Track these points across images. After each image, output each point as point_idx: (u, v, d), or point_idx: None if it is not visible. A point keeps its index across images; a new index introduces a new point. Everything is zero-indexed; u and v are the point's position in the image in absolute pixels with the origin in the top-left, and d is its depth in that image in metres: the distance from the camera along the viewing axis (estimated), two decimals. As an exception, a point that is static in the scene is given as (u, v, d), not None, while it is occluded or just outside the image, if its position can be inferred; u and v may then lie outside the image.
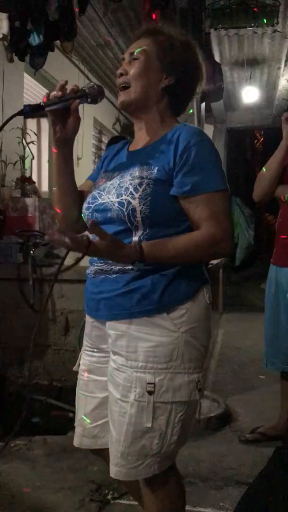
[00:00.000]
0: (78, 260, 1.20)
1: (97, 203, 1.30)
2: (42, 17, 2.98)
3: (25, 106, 1.25)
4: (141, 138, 1.38)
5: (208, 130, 7.42)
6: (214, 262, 4.88)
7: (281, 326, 2.48)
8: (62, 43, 3.34)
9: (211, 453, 2.50)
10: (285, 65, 5.95)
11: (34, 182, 3.96)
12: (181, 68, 1.34)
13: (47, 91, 5.36)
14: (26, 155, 4.06)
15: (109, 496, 2.09)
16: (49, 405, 3.13)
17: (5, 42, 3.12)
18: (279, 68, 6.10)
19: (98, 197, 1.31)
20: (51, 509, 2.01)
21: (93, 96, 1.30)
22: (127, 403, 1.24)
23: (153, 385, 1.23)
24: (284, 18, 4.56)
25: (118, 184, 1.28)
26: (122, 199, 1.24)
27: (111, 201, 1.26)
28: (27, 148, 4.08)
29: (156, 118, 1.36)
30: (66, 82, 1.28)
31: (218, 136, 8.00)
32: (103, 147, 6.92)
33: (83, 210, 1.35)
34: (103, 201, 1.28)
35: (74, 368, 1.50)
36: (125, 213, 1.23)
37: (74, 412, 3.20)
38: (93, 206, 1.31)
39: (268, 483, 1.24)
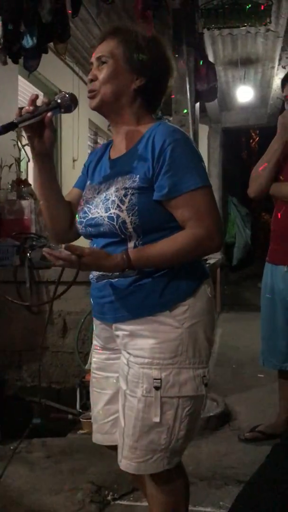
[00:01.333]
0: (74, 278, 1.25)
1: (88, 218, 1.33)
2: (35, 19, 2.98)
3: None
4: (120, 142, 1.37)
5: (203, 130, 7.42)
6: (211, 261, 4.89)
7: (277, 324, 2.48)
8: (55, 45, 3.34)
9: (211, 452, 2.50)
10: (278, 64, 5.96)
11: (30, 185, 3.95)
12: (151, 66, 1.32)
13: (41, 93, 5.38)
14: (21, 158, 4.05)
15: (109, 497, 2.09)
16: (48, 407, 3.12)
17: (-1, 45, 3.12)
18: (273, 67, 6.10)
19: (88, 212, 1.33)
20: (51, 511, 2.01)
21: (66, 106, 1.30)
22: (135, 398, 1.28)
23: (159, 380, 1.26)
24: (277, 17, 4.57)
25: (105, 197, 1.29)
26: (111, 213, 1.26)
27: (101, 216, 1.28)
28: (22, 150, 4.07)
29: (132, 120, 1.35)
30: (37, 96, 1.28)
31: (213, 136, 8.00)
32: (99, 148, 6.92)
33: (77, 225, 1.38)
34: (93, 216, 1.31)
35: (86, 367, 1.59)
36: (116, 227, 1.26)
37: (73, 414, 3.22)
38: (85, 221, 1.34)
39: (265, 480, 1.25)
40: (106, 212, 1.27)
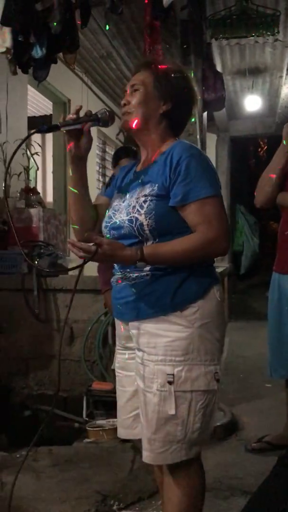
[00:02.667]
0: (91, 258, 1.35)
1: (112, 222, 1.50)
2: (44, 30, 3.02)
3: (42, 125, 1.46)
4: (145, 158, 1.56)
5: (211, 139, 7.44)
6: (219, 270, 4.88)
7: (285, 333, 2.46)
8: (64, 55, 3.38)
9: (217, 463, 2.48)
10: (287, 73, 5.98)
11: (39, 193, 3.99)
12: (177, 94, 1.51)
13: (50, 102, 5.43)
14: (30, 166, 4.09)
15: (115, 507, 2.08)
16: (55, 415, 3.12)
17: (9, 55, 3.16)
18: (281, 77, 6.12)
19: (112, 217, 1.51)
20: (57, 520, 2.00)
21: (104, 121, 1.49)
22: (151, 393, 1.40)
23: (172, 376, 1.38)
24: (285, 27, 4.59)
25: (128, 204, 1.47)
26: (131, 217, 1.43)
27: (122, 220, 1.46)
28: (31, 159, 4.11)
29: (157, 140, 1.53)
30: (81, 107, 1.48)
31: (221, 145, 8.02)
32: (107, 157, 6.97)
33: (103, 229, 1.55)
34: (116, 220, 1.49)
35: (112, 367, 1.76)
36: (135, 228, 1.42)
37: (79, 422, 3.21)
38: (109, 225, 1.51)
39: (271, 492, 1.24)
40: (127, 216, 1.44)
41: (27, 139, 1.49)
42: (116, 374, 1.60)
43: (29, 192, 3.85)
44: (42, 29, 3.01)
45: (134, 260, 1.38)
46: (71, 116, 1.46)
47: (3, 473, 2.35)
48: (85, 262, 1.37)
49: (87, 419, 3.03)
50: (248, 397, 3.49)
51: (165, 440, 1.39)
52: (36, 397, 3.32)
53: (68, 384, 3.27)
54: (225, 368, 4.24)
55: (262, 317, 3.66)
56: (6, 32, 3.06)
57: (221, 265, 5.88)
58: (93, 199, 1.66)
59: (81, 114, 1.47)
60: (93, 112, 1.49)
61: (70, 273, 3.49)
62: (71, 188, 1.58)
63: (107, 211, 1.56)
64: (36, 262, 3.29)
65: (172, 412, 1.37)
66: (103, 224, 1.54)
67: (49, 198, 5.64)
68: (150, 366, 1.41)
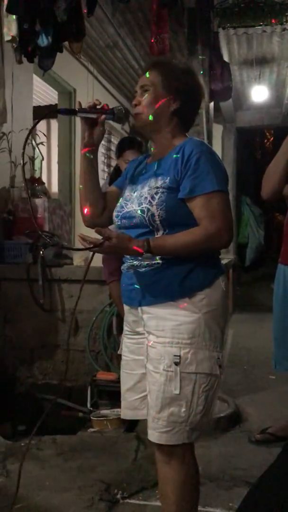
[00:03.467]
0: (97, 245, 1.42)
1: (123, 211, 1.57)
2: (50, 18, 2.99)
3: (61, 108, 1.55)
4: (157, 153, 1.63)
5: (217, 129, 7.39)
6: (224, 262, 4.87)
7: (290, 326, 2.46)
8: (70, 44, 3.35)
9: (221, 453, 2.49)
10: (294, 64, 5.92)
11: (44, 183, 3.99)
12: (185, 92, 1.59)
13: (56, 91, 5.40)
14: (36, 156, 4.08)
15: (118, 496, 2.09)
16: (59, 404, 3.14)
17: (14, 44, 3.14)
18: (288, 67, 6.07)
19: (124, 206, 1.58)
20: (61, 508, 2.02)
21: (119, 117, 1.59)
22: (158, 373, 1.47)
23: (178, 357, 1.45)
24: (293, 17, 4.54)
25: (139, 195, 1.54)
26: (142, 207, 1.51)
27: (134, 209, 1.53)
28: (36, 149, 4.10)
29: (168, 136, 1.60)
30: (100, 102, 1.59)
31: (227, 136, 7.97)
32: (113, 147, 6.94)
33: (114, 218, 1.62)
34: (128, 210, 1.56)
35: (118, 352, 1.76)
36: (146, 218, 1.50)
37: (83, 412, 3.23)
38: (121, 214, 1.58)
39: (273, 482, 1.24)
40: (139, 206, 1.51)
41: (41, 120, 1.67)
42: (123, 358, 1.65)
43: (34, 182, 3.85)
44: (48, 17, 2.99)
45: (141, 252, 1.44)
46: (89, 103, 1.56)
47: (8, 461, 2.37)
48: (93, 253, 1.46)
49: (91, 408, 3.04)
50: (252, 388, 3.50)
51: (169, 420, 1.45)
52: (40, 386, 3.34)
53: (73, 374, 3.29)
54: (229, 360, 4.25)
55: (266, 309, 3.66)
56: (12, 20, 3.03)
57: (226, 257, 5.88)
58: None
59: (99, 105, 1.56)
60: (111, 108, 1.58)
61: (75, 263, 3.49)
62: (80, 183, 1.66)
63: (118, 200, 1.63)
64: (41, 252, 3.29)
65: (177, 391, 1.44)
66: (114, 213, 1.61)
67: (54, 188, 5.63)
68: (158, 347, 1.48)
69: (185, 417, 1.46)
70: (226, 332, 1.56)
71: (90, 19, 3.61)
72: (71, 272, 3.27)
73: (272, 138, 13.10)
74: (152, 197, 1.49)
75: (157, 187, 1.50)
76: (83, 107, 1.57)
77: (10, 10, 2.97)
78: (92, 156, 1.64)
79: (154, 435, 1.49)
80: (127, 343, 1.65)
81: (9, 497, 2.01)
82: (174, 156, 1.52)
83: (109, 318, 3.23)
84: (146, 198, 1.50)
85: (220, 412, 2.85)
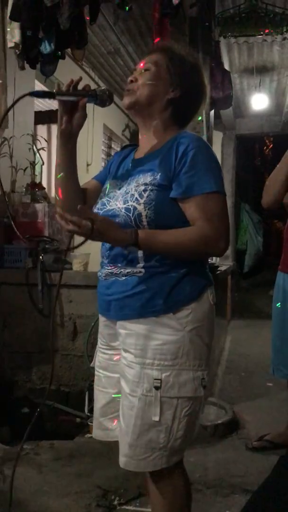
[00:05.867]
0: (83, 242, 1.26)
1: (105, 209, 1.38)
2: (53, 26, 3.02)
3: (37, 90, 1.36)
4: (145, 145, 1.45)
5: (217, 137, 7.43)
6: (222, 268, 4.88)
7: (288, 333, 2.47)
8: (73, 51, 3.38)
9: (218, 460, 2.49)
10: (294, 73, 5.96)
11: (44, 188, 4.00)
12: (188, 84, 1.42)
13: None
14: (36, 161, 4.10)
15: (115, 502, 2.09)
16: (57, 410, 3.14)
17: (17, 50, 3.16)
18: (288, 76, 6.11)
19: (107, 204, 1.39)
20: (58, 513, 2.02)
21: (102, 99, 1.38)
22: (135, 398, 1.32)
23: (159, 380, 1.30)
24: (293, 26, 4.57)
25: (125, 191, 1.35)
26: (128, 205, 1.32)
27: (119, 208, 1.34)
28: (37, 154, 4.12)
29: (160, 126, 1.43)
30: (80, 79, 1.37)
31: (227, 143, 8.01)
32: (113, 153, 6.96)
33: None
34: (111, 208, 1.37)
35: (91, 365, 1.58)
36: (132, 218, 1.31)
37: (81, 417, 3.22)
38: (101, 212, 1.38)
39: (272, 491, 1.24)
40: (124, 204, 1.33)
41: (16, 103, 1.34)
42: (96, 373, 1.52)
43: (35, 187, 3.86)
44: (51, 24, 3.02)
45: (127, 243, 1.27)
46: (68, 84, 1.35)
47: (5, 466, 2.37)
48: (83, 242, 1.26)
49: (89, 414, 3.04)
50: (249, 395, 3.50)
51: (146, 446, 1.31)
52: (38, 391, 3.34)
53: (71, 379, 3.29)
54: (226, 366, 4.25)
55: (264, 315, 3.67)
56: (15, 27, 3.06)
57: (225, 263, 5.88)
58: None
59: (80, 87, 1.36)
60: (92, 89, 1.38)
61: (75, 268, 3.50)
62: (58, 172, 1.44)
63: (100, 197, 1.45)
64: (41, 257, 3.30)
65: (156, 418, 1.29)
66: (95, 211, 1.42)
67: (54, 193, 5.64)
68: (136, 369, 1.32)
69: (164, 443, 1.31)
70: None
71: (92, 26, 3.64)
72: (70, 277, 3.28)
73: (271, 146, 13.14)
74: (140, 195, 1.30)
75: (146, 184, 1.31)
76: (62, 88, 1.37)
77: (13, 17, 2.99)
78: (69, 147, 1.42)
79: (130, 464, 1.34)
80: (99, 357, 1.50)
81: (6, 502, 2.01)
82: (167, 150, 1.34)
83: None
84: (132, 195, 1.32)
85: (218, 419, 2.86)
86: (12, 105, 1.40)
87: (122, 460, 1.36)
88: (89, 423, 2.88)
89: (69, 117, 1.39)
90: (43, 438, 2.68)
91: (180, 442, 1.33)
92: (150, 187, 1.31)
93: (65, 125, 1.39)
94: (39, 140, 4.18)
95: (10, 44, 3.12)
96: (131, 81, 1.42)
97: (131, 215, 1.31)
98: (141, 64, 1.44)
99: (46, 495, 2.14)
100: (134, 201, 1.31)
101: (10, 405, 3.20)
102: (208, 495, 2.16)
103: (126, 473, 2.30)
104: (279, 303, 2.51)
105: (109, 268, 1.38)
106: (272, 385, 3.58)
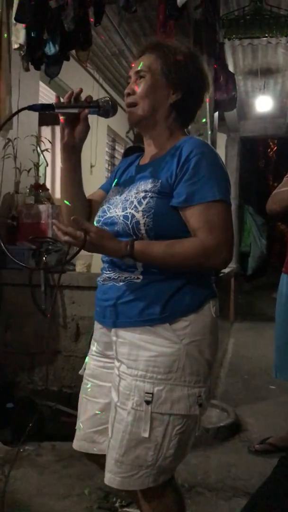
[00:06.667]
0: (76, 253, 1.24)
1: (105, 217, 1.34)
2: (58, 27, 3.03)
3: (35, 104, 1.30)
4: (150, 152, 1.41)
5: (221, 139, 7.42)
6: (226, 270, 4.87)
7: (292, 336, 2.46)
8: (77, 52, 3.38)
9: (220, 463, 2.49)
10: (299, 75, 5.96)
11: (48, 189, 4.00)
12: (188, 81, 1.34)
13: (61, 99, 5.43)
14: (40, 163, 4.10)
15: (116, 504, 2.09)
16: (59, 411, 3.13)
17: (22, 52, 3.17)
18: (293, 78, 6.10)
19: (107, 211, 1.35)
20: (59, 515, 2.01)
21: (105, 110, 1.33)
22: (125, 411, 1.25)
23: (151, 395, 1.22)
24: (298, 28, 4.56)
25: (125, 198, 1.31)
26: (126, 213, 1.27)
27: (117, 215, 1.29)
28: (41, 155, 4.12)
29: (165, 133, 1.38)
30: (81, 90, 1.31)
31: (231, 145, 8.00)
32: (117, 155, 6.97)
33: (95, 223, 1.38)
34: (110, 215, 1.32)
35: (80, 372, 1.51)
36: (129, 226, 1.26)
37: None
38: (102, 219, 1.35)
39: (271, 493, 1.24)
40: (123, 211, 1.28)
41: (15, 114, 1.32)
42: (84, 381, 1.45)
43: (39, 188, 3.86)
44: (56, 26, 3.02)
45: (122, 255, 1.22)
46: (68, 96, 1.30)
47: (6, 467, 2.37)
48: (77, 252, 1.24)
49: (91, 415, 3.04)
50: (252, 398, 3.49)
51: (133, 464, 1.24)
52: (40, 392, 3.34)
53: (73, 380, 3.28)
54: (229, 369, 4.24)
55: (267, 318, 3.66)
56: (20, 28, 3.07)
57: (228, 266, 5.87)
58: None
59: (82, 98, 1.32)
60: (95, 99, 1.34)
61: (78, 269, 3.50)
62: (62, 187, 1.41)
63: (102, 204, 1.41)
64: (44, 258, 3.30)
65: (146, 434, 1.22)
66: (96, 218, 1.38)
67: (58, 194, 5.65)
68: (128, 380, 1.25)
69: (152, 461, 1.24)
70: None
71: (96, 28, 3.64)
72: (73, 279, 3.27)
73: (275, 148, 13.13)
74: (139, 202, 1.25)
75: (146, 191, 1.26)
76: (62, 101, 1.32)
77: (18, 19, 3.00)
78: (73, 160, 1.38)
79: (115, 481, 1.27)
80: (91, 365, 1.43)
81: (7, 503, 2.01)
82: (170, 156, 1.30)
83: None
84: (132, 202, 1.26)
85: (220, 422, 2.85)
86: (12, 116, 1.39)
87: (106, 476, 1.29)
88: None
89: (71, 129, 1.34)
90: (45, 440, 2.68)
91: (170, 461, 1.26)
92: (150, 194, 1.25)
93: (67, 137, 1.34)
94: (43, 142, 4.19)
95: (15, 45, 3.13)
96: (129, 94, 1.36)
97: (128, 222, 1.26)
98: (134, 69, 1.37)
99: (47, 496, 2.14)
100: (132, 208, 1.26)
101: (12, 407, 3.20)
102: (210, 498, 2.15)
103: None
104: (283, 305, 2.51)
105: (108, 273, 1.34)
106: (275, 388, 3.57)
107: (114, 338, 1.32)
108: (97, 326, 1.42)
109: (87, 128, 1.34)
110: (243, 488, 2.23)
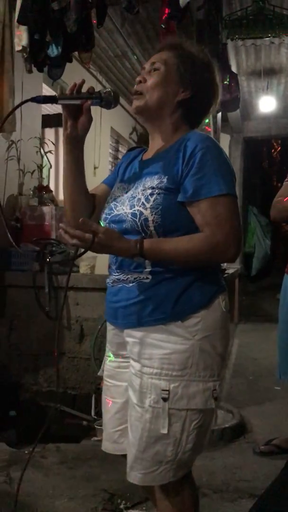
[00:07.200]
0: (82, 253, 1.25)
1: (113, 214, 1.34)
2: (60, 29, 3.03)
3: (38, 96, 1.30)
4: (154, 147, 1.41)
5: (225, 139, 7.42)
6: (230, 271, 4.86)
7: (296, 336, 2.45)
8: (80, 54, 3.38)
9: (225, 465, 2.48)
10: (302, 75, 5.95)
11: (52, 191, 4.01)
12: (199, 84, 1.37)
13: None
14: (44, 164, 4.11)
15: (121, 506, 2.08)
16: (63, 412, 3.13)
17: (25, 54, 3.17)
18: (296, 78, 6.09)
19: (114, 208, 1.35)
20: (64, 517, 2.01)
21: (107, 101, 1.33)
22: (143, 409, 1.28)
23: (167, 392, 1.25)
24: (301, 28, 4.56)
25: (132, 195, 1.32)
26: (134, 210, 1.28)
27: (125, 212, 1.30)
28: (45, 157, 4.13)
29: (169, 128, 1.38)
30: (83, 81, 1.32)
31: (234, 146, 8.00)
32: (120, 156, 6.97)
33: (102, 221, 1.39)
34: (118, 213, 1.33)
35: (99, 373, 1.54)
36: (138, 224, 1.27)
37: (87, 420, 3.21)
38: (109, 217, 1.35)
39: (278, 495, 1.23)
40: (131, 209, 1.28)
41: (17, 108, 1.29)
42: (104, 382, 1.48)
43: (42, 190, 3.87)
44: (58, 28, 3.03)
45: (132, 254, 1.24)
46: (70, 88, 1.31)
47: (11, 469, 2.37)
48: (82, 253, 1.24)
49: (95, 417, 3.03)
50: (257, 399, 3.48)
51: (153, 460, 1.27)
52: (45, 394, 3.34)
53: (77, 381, 3.28)
54: (234, 370, 4.23)
55: (272, 319, 3.65)
56: (23, 30, 3.07)
57: (232, 267, 5.86)
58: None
59: (83, 90, 1.32)
60: (97, 91, 1.34)
61: (82, 271, 3.50)
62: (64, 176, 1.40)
63: (107, 201, 1.41)
64: (48, 259, 3.31)
65: (164, 431, 1.25)
66: (103, 216, 1.39)
67: (61, 196, 5.66)
68: (144, 379, 1.28)
69: (172, 456, 1.27)
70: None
71: (99, 30, 3.65)
72: (77, 280, 3.28)
73: (279, 148, 13.10)
74: (147, 199, 1.26)
75: (153, 187, 1.27)
76: (65, 93, 1.32)
77: (21, 21, 3.01)
78: (76, 152, 1.38)
79: (136, 477, 1.30)
80: (107, 366, 1.46)
81: (12, 505, 2.01)
82: (175, 151, 1.29)
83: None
84: (139, 199, 1.27)
85: (225, 423, 2.84)
86: (13, 110, 1.39)
87: (128, 473, 1.33)
88: (96, 426, 2.88)
89: (74, 121, 1.34)
90: (50, 441, 2.68)
91: (189, 455, 1.29)
92: (157, 191, 1.26)
93: (70, 129, 1.35)
94: (46, 143, 4.20)
95: (17, 47, 3.14)
96: (140, 82, 1.37)
97: (137, 220, 1.27)
98: (151, 60, 1.39)
99: (52, 498, 2.14)
100: (140, 206, 1.27)
101: (16, 408, 3.20)
102: (215, 500, 2.14)
103: (133, 477, 2.30)
104: (286, 306, 2.50)
105: (117, 274, 1.35)
106: (280, 389, 3.55)
107: (127, 339, 1.34)
108: (109, 327, 1.44)
109: (90, 119, 1.35)
110: (248, 489, 2.22)
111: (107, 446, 1.46)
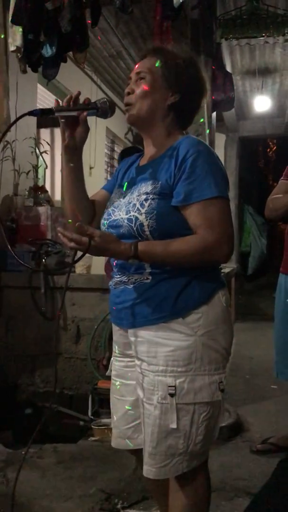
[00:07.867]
0: (80, 257, 1.30)
1: (111, 219, 1.40)
2: (55, 29, 3.03)
3: (34, 109, 1.36)
4: (149, 152, 1.46)
5: (220, 139, 7.42)
6: (226, 270, 4.87)
7: (292, 335, 2.46)
8: (74, 54, 3.38)
9: (222, 463, 2.48)
10: (297, 74, 5.95)
11: (47, 191, 4.00)
12: (186, 83, 1.40)
13: (59, 100, 5.45)
14: (39, 165, 4.10)
15: (119, 506, 2.08)
16: (60, 413, 3.13)
17: (19, 54, 3.17)
18: (291, 77, 6.10)
19: (112, 214, 1.41)
20: (61, 517, 2.01)
21: (103, 111, 1.37)
22: (152, 405, 1.33)
23: (174, 387, 1.30)
24: (295, 28, 4.56)
25: (128, 201, 1.37)
26: (130, 216, 1.33)
27: (122, 218, 1.35)
28: (40, 157, 4.13)
29: (163, 133, 1.43)
30: (79, 93, 1.37)
31: (230, 145, 8.00)
32: (116, 156, 6.97)
33: (101, 226, 1.44)
34: (115, 218, 1.38)
35: (107, 373, 1.59)
36: (134, 229, 1.32)
37: (84, 421, 3.21)
38: (108, 222, 1.41)
39: (274, 494, 1.24)
40: (127, 214, 1.34)
41: (15, 122, 1.39)
42: (112, 382, 1.52)
43: (38, 190, 3.87)
44: (53, 28, 3.03)
45: (127, 256, 1.28)
46: (67, 100, 1.37)
47: (8, 470, 2.37)
48: (81, 256, 1.30)
49: (92, 417, 3.03)
50: (253, 398, 3.49)
51: (166, 454, 1.32)
52: (41, 394, 3.34)
53: (74, 382, 3.28)
54: (231, 369, 4.23)
55: (268, 318, 3.65)
56: (17, 31, 3.07)
57: (229, 266, 5.87)
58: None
59: (81, 101, 1.38)
60: (93, 101, 1.39)
61: (78, 271, 3.50)
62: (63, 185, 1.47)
63: (107, 206, 1.46)
64: (43, 260, 3.30)
65: (174, 426, 1.30)
66: (102, 221, 1.44)
67: (57, 196, 5.66)
68: (150, 376, 1.33)
69: (184, 448, 1.32)
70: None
71: (93, 29, 3.65)
72: (73, 280, 3.28)
73: (274, 148, 13.13)
74: (141, 204, 1.31)
75: (147, 193, 1.32)
76: (61, 105, 1.37)
77: (15, 21, 3.00)
78: (75, 161, 1.43)
79: (151, 472, 1.35)
80: (115, 366, 1.51)
81: (9, 505, 2.01)
82: (168, 157, 1.34)
83: (110, 327, 3.22)
84: (134, 205, 1.32)
85: (222, 422, 2.84)
86: (11, 125, 1.44)
87: (144, 469, 1.37)
88: (93, 426, 2.88)
89: (72, 131, 1.39)
90: (46, 442, 2.67)
91: (200, 446, 1.34)
92: (151, 196, 1.31)
93: (68, 140, 1.40)
94: (42, 144, 4.19)
95: (11, 47, 3.13)
96: (128, 93, 1.42)
97: (133, 225, 1.31)
98: (135, 70, 1.43)
99: (49, 498, 2.14)
100: (135, 211, 1.31)
101: (13, 409, 3.20)
102: (212, 498, 2.13)
103: (130, 477, 2.30)
104: (281, 305, 2.50)
105: (119, 276, 1.40)
106: (277, 388, 3.56)
107: (132, 338, 1.39)
108: (114, 328, 1.49)
109: (86, 129, 1.40)
110: (245, 488, 2.22)
111: (119, 442, 1.51)
